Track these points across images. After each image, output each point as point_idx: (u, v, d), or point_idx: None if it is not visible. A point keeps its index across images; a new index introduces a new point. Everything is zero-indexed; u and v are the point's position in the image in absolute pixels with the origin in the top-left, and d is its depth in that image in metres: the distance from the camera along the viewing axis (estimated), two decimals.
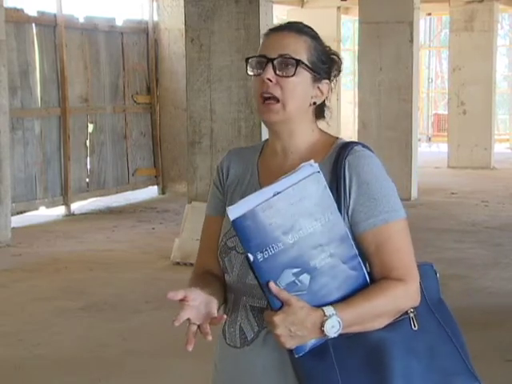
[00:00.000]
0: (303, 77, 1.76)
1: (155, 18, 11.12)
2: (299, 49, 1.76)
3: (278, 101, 1.75)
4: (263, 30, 6.60)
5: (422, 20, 16.32)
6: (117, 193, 10.57)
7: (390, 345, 1.66)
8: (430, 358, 1.69)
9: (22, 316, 5.48)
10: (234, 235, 1.74)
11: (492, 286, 6.06)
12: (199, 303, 1.68)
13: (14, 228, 8.08)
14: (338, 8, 14.93)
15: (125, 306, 5.64)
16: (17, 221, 8.59)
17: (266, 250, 1.60)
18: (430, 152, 17.23)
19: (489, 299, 5.66)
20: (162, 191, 11.24)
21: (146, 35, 11.02)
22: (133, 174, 10.82)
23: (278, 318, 1.61)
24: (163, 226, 8.69)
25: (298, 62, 1.74)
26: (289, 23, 1.82)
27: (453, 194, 10.86)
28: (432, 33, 21.56)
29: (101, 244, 7.77)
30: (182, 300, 1.66)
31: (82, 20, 10.05)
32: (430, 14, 17.77)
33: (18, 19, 8.99)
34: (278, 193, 1.61)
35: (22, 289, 6.17)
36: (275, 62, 1.74)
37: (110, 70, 10.44)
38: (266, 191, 1.61)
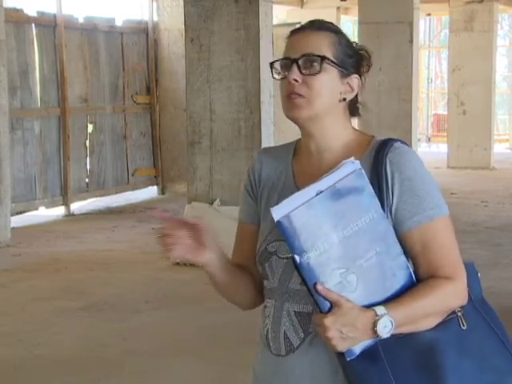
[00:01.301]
0: (330, 73, 1.72)
1: (155, 18, 11.13)
2: (322, 45, 1.73)
3: (302, 97, 1.72)
4: (263, 30, 6.63)
5: (421, 20, 16.28)
6: (116, 193, 10.56)
7: (441, 345, 1.63)
8: (481, 357, 1.66)
9: (22, 316, 5.47)
10: (274, 240, 1.72)
11: (492, 286, 6.01)
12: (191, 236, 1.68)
13: (13, 228, 8.08)
14: (338, 8, 14.93)
15: (125, 306, 5.63)
16: (16, 221, 8.59)
17: (312, 250, 1.57)
18: (430, 152, 17.16)
19: (489, 300, 5.62)
20: (162, 191, 11.25)
21: (146, 35, 11.02)
22: (132, 174, 10.82)
23: (328, 320, 1.57)
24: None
25: (323, 59, 1.71)
26: (309, 22, 1.79)
27: (452, 194, 10.84)
28: (432, 33, 21.54)
29: (101, 244, 7.77)
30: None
31: (81, 20, 10.06)
32: (429, 15, 17.78)
33: (17, 19, 9.00)
34: (321, 192, 1.58)
35: (22, 289, 6.17)
36: (299, 61, 1.71)
37: (109, 70, 10.43)
38: (309, 190, 1.58)
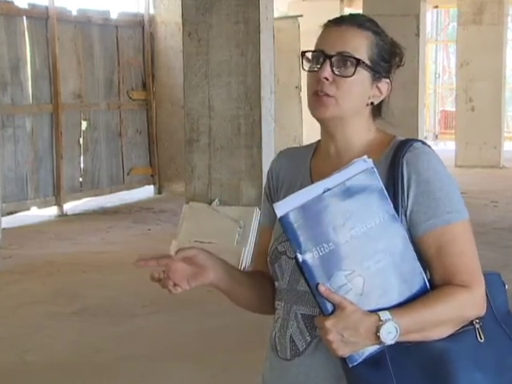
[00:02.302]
0: (362, 76, 1.69)
1: (151, 11, 11.14)
2: (360, 46, 1.69)
3: (330, 96, 1.69)
4: (263, 23, 6.61)
5: (428, 13, 16.48)
6: (111, 192, 10.55)
7: (453, 356, 1.57)
8: (497, 372, 1.60)
9: (13, 320, 5.44)
10: (285, 240, 1.69)
11: None
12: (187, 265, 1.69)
13: (4, 229, 8.05)
14: (341, 0, 14.84)
15: (120, 309, 5.60)
16: (7, 221, 8.57)
17: (316, 249, 1.54)
18: (437, 150, 16.99)
19: None
20: (159, 191, 11.26)
21: (142, 29, 11.00)
22: (128, 173, 10.81)
23: (329, 323, 1.54)
24: (160, 226, 8.68)
25: (358, 62, 1.67)
26: (351, 15, 1.74)
27: (460, 193, 10.72)
28: (439, 26, 21.86)
29: (95, 245, 7.77)
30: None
31: (74, 13, 10.02)
32: (436, 7, 17.92)
33: (8, 12, 9.00)
34: (329, 189, 1.55)
35: (13, 292, 6.14)
36: (333, 59, 1.67)
37: (104, 64, 10.42)
38: (316, 187, 1.56)
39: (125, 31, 10.69)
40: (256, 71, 6.53)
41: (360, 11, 12.83)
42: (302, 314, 1.70)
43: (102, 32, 10.30)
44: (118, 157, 10.62)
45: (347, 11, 16.66)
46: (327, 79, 1.67)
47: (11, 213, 8.96)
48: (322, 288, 1.54)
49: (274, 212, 1.70)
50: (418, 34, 10.13)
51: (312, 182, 1.72)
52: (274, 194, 1.83)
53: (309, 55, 1.72)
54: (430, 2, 13.36)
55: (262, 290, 1.80)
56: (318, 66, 1.68)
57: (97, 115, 10.25)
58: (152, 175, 11.15)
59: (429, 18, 18.29)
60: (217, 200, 6.71)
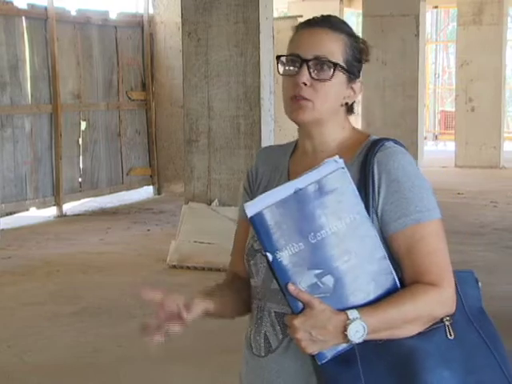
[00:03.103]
0: (338, 79, 1.71)
1: (150, 11, 11.13)
2: (336, 49, 1.70)
3: (308, 100, 1.71)
4: (263, 23, 6.58)
5: (428, 13, 16.48)
6: (110, 193, 10.52)
7: (422, 354, 1.58)
8: (466, 370, 1.61)
9: (12, 321, 5.41)
10: None
11: (501, 290, 5.95)
12: (176, 306, 1.66)
13: (3, 230, 8.16)
14: (341, 0, 14.84)
15: (119, 310, 5.56)
16: (6, 222, 8.57)
17: (287, 249, 1.55)
18: (437, 151, 17.49)
19: (498, 304, 5.52)
20: (158, 191, 11.24)
21: (141, 29, 10.98)
22: (127, 174, 10.78)
23: (298, 321, 1.56)
24: (159, 227, 8.65)
25: (336, 66, 1.69)
26: (323, 17, 1.75)
27: (460, 194, 10.82)
28: (439, 26, 21.84)
29: (94, 246, 7.73)
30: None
31: (74, 13, 10.00)
32: (436, 7, 17.99)
33: (7, 12, 8.96)
34: (300, 189, 1.56)
35: (12, 293, 6.10)
36: (310, 63, 1.69)
37: (103, 65, 10.39)
38: (287, 187, 1.56)
39: (124, 31, 10.67)
40: (255, 71, 6.51)
41: (360, 11, 12.85)
42: (275, 311, 1.71)
43: (101, 32, 10.27)
44: (118, 157, 10.59)
45: (347, 11, 16.66)
46: (305, 84, 1.68)
47: (10, 213, 8.96)
48: (291, 287, 1.55)
49: None
50: (417, 35, 10.16)
51: (289, 180, 1.74)
52: (253, 189, 1.85)
53: (284, 59, 1.73)
54: (429, 2, 13.39)
55: (243, 294, 1.81)
56: (295, 70, 1.69)
57: (96, 115, 10.22)
58: (151, 176, 11.14)
59: (428, 18, 18.30)
60: (216, 200, 6.69)
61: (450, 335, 1.62)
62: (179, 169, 10.35)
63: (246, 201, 1.79)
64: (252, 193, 1.85)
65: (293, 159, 1.81)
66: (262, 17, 6.49)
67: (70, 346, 4.87)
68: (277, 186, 1.72)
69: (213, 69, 6.63)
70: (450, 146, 15.77)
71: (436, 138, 19.51)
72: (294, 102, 1.70)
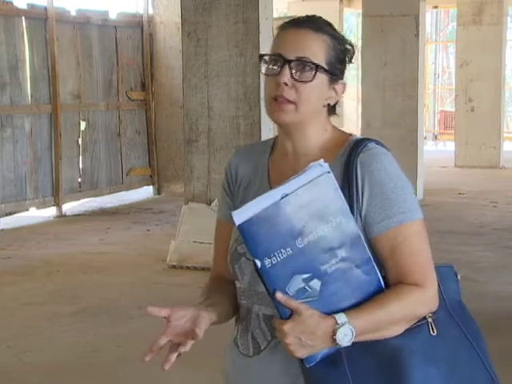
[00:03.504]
0: (320, 80, 1.71)
1: (150, 11, 11.10)
2: (318, 50, 1.70)
3: (290, 102, 1.70)
4: (262, 23, 6.57)
5: (428, 13, 16.43)
6: (110, 193, 10.50)
7: (407, 353, 1.60)
8: (450, 366, 1.63)
9: (12, 321, 5.40)
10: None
11: (501, 290, 5.97)
12: (184, 321, 1.65)
13: (2, 230, 8.10)
14: (341, 0, 14.83)
15: (119, 310, 5.56)
16: (6, 222, 8.58)
17: (274, 255, 1.55)
18: (437, 151, 17.42)
19: (497, 304, 5.59)
20: (158, 191, 11.22)
21: (141, 29, 10.96)
22: (127, 174, 10.77)
23: (287, 327, 1.56)
24: (159, 227, 8.64)
25: (317, 67, 1.69)
26: (308, 18, 1.75)
27: (460, 194, 10.79)
28: (439, 26, 21.82)
29: (94, 246, 7.72)
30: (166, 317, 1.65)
31: (73, 13, 9.98)
32: (436, 7, 17.96)
33: (7, 12, 8.95)
34: (287, 195, 1.56)
35: (12, 293, 6.09)
36: (292, 64, 1.68)
37: (103, 65, 10.37)
38: (274, 193, 1.57)
39: (124, 31, 10.64)
40: (255, 71, 6.47)
41: (359, 11, 12.82)
42: (263, 314, 1.73)
43: (100, 32, 10.25)
44: (117, 157, 10.57)
45: (346, 11, 16.65)
46: (286, 84, 1.67)
47: (10, 213, 8.95)
48: (278, 295, 1.56)
49: (232, 207, 1.78)
50: (417, 35, 10.11)
51: (269, 181, 1.77)
52: (233, 190, 1.84)
53: (267, 59, 1.73)
54: (429, 2, 13.32)
55: (234, 297, 1.82)
56: (277, 70, 1.69)
57: (96, 115, 10.20)
58: (151, 176, 11.12)
59: (428, 18, 18.26)
60: (216, 200, 6.65)
61: (433, 332, 1.64)
62: (179, 169, 10.34)
63: (227, 202, 1.85)
64: (232, 194, 1.84)
65: (272, 159, 1.81)
66: (261, 17, 6.48)
67: (70, 346, 4.86)
68: (258, 187, 1.77)
69: (212, 69, 6.62)
70: (450, 145, 15.74)
71: (436, 137, 19.47)
72: (275, 103, 1.70)
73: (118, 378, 4.38)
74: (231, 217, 1.76)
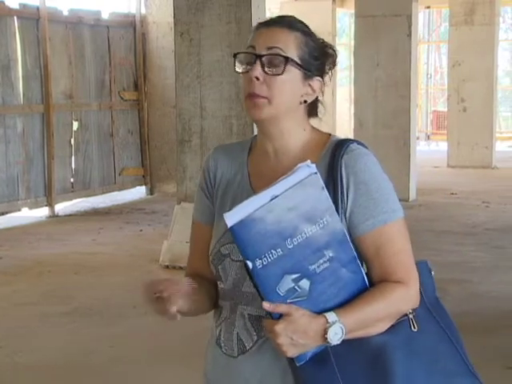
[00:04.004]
0: (292, 74, 1.72)
1: (143, 11, 11.08)
2: (289, 45, 1.72)
3: (263, 97, 1.72)
4: (255, 23, 6.41)
5: (420, 13, 16.42)
6: (103, 193, 10.48)
7: (390, 348, 1.64)
8: (431, 359, 1.67)
9: (4, 322, 5.37)
10: (228, 242, 1.73)
11: (493, 290, 5.96)
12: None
13: None
14: (334, 0, 14.82)
15: (111, 311, 5.55)
16: None
17: (265, 256, 1.57)
18: (429, 151, 17.47)
19: (490, 304, 5.60)
20: (150, 191, 11.20)
21: (134, 29, 10.93)
22: (119, 174, 10.73)
23: (279, 327, 1.58)
24: (151, 227, 8.63)
25: (287, 60, 1.71)
26: (280, 17, 1.78)
27: (452, 194, 10.78)
28: (431, 26, 21.83)
29: (86, 246, 7.69)
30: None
31: (66, 13, 9.95)
32: (428, 7, 17.96)
33: None
34: (276, 196, 1.58)
35: (4, 293, 6.06)
36: (264, 59, 1.71)
37: (95, 65, 10.34)
38: (263, 195, 1.58)
39: (116, 31, 10.61)
40: None
41: (352, 12, 12.82)
42: (248, 314, 1.74)
43: (93, 32, 10.22)
44: (110, 157, 10.54)
45: (339, 12, 16.64)
46: (258, 79, 1.70)
47: (2, 213, 8.94)
48: (265, 305, 1.58)
49: (211, 209, 1.83)
50: (409, 35, 10.10)
51: (250, 181, 1.79)
52: (211, 190, 1.85)
53: (241, 57, 1.76)
54: (421, 2, 13.30)
55: (210, 294, 1.83)
56: (250, 67, 1.72)
57: (88, 115, 10.17)
58: (143, 176, 11.10)
59: (421, 18, 18.26)
60: None
61: (414, 328, 1.68)
62: (172, 169, 10.31)
63: (204, 203, 1.85)
64: (210, 194, 1.85)
65: (252, 158, 1.82)
66: (254, 17, 6.45)
67: (62, 347, 4.85)
68: (238, 187, 1.79)
69: (205, 69, 6.60)
70: (443, 146, 15.77)
71: (428, 138, 19.49)
72: (250, 99, 1.72)
73: (110, 378, 4.37)
74: (207, 218, 1.83)
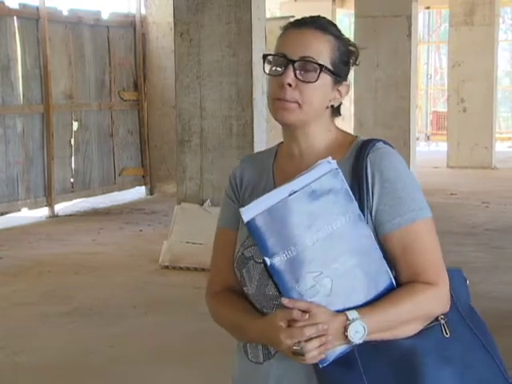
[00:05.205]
0: (324, 81, 1.70)
1: (143, 11, 11.06)
2: (322, 50, 1.69)
3: (295, 102, 1.69)
4: (255, 23, 6.56)
5: (420, 14, 16.40)
6: (103, 193, 10.47)
7: (421, 353, 1.60)
8: (463, 366, 1.62)
9: (4, 322, 5.38)
10: (251, 245, 1.70)
11: (493, 290, 5.96)
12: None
13: None
14: (333, 1, 14.83)
15: (111, 311, 5.55)
16: None
17: (284, 252, 1.54)
18: (429, 151, 17.41)
19: (490, 304, 5.55)
20: (150, 192, 11.19)
21: (133, 29, 10.91)
22: (119, 174, 10.72)
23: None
24: (151, 227, 8.63)
25: (322, 68, 1.68)
26: (312, 18, 1.73)
27: (452, 194, 10.79)
28: (431, 27, 21.79)
29: (86, 247, 7.69)
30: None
31: (65, 13, 9.93)
32: (428, 8, 18.05)
33: None
34: (295, 192, 1.55)
35: (4, 294, 6.06)
36: (296, 64, 1.67)
37: (95, 65, 10.32)
38: (282, 190, 1.56)
39: (116, 31, 10.60)
40: (248, 72, 6.50)
41: (352, 12, 12.83)
42: None
43: (93, 32, 10.21)
44: (110, 157, 10.53)
45: (339, 12, 16.65)
46: (290, 85, 1.67)
47: (2, 214, 8.93)
48: (285, 301, 1.55)
49: (238, 216, 1.70)
50: (409, 35, 10.12)
51: (275, 184, 1.74)
52: (238, 197, 1.82)
53: (271, 59, 1.72)
54: (421, 2, 13.33)
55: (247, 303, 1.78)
56: (281, 70, 1.68)
57: (88, 116, 10.16)
58: (143, 176, 11.09)
59: (421, 18, 18.24)
60: (208, 201, 6.66)
61: (446, 333, 1.63)
62: (171, 169, 10.29)
63: (231, 210, 1.81)
64: (238, 200, 1.82)
65: (277, 162, 1.80)
66: (254, 17, 6.47)
67: (62, 347, 4.85)
68: (263, 190, 1.73)
69: (205, 69, 6.61)
70: (442, 146, 15.75)
71: (428, 138, 19.47)
72: (279, 102, 1.69)
73: (110, 378, 4.37)
74: (234, 225, 1.79)
